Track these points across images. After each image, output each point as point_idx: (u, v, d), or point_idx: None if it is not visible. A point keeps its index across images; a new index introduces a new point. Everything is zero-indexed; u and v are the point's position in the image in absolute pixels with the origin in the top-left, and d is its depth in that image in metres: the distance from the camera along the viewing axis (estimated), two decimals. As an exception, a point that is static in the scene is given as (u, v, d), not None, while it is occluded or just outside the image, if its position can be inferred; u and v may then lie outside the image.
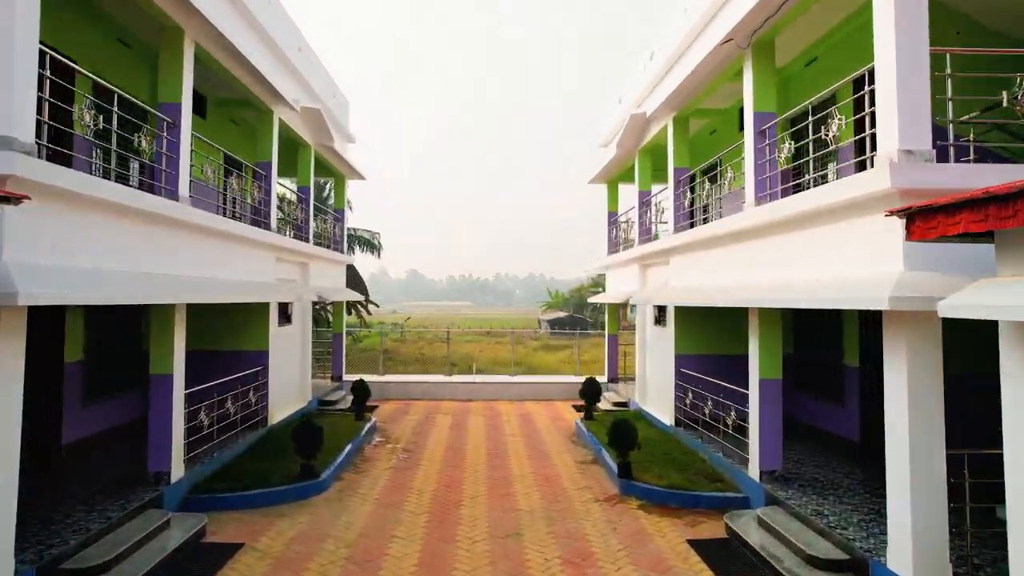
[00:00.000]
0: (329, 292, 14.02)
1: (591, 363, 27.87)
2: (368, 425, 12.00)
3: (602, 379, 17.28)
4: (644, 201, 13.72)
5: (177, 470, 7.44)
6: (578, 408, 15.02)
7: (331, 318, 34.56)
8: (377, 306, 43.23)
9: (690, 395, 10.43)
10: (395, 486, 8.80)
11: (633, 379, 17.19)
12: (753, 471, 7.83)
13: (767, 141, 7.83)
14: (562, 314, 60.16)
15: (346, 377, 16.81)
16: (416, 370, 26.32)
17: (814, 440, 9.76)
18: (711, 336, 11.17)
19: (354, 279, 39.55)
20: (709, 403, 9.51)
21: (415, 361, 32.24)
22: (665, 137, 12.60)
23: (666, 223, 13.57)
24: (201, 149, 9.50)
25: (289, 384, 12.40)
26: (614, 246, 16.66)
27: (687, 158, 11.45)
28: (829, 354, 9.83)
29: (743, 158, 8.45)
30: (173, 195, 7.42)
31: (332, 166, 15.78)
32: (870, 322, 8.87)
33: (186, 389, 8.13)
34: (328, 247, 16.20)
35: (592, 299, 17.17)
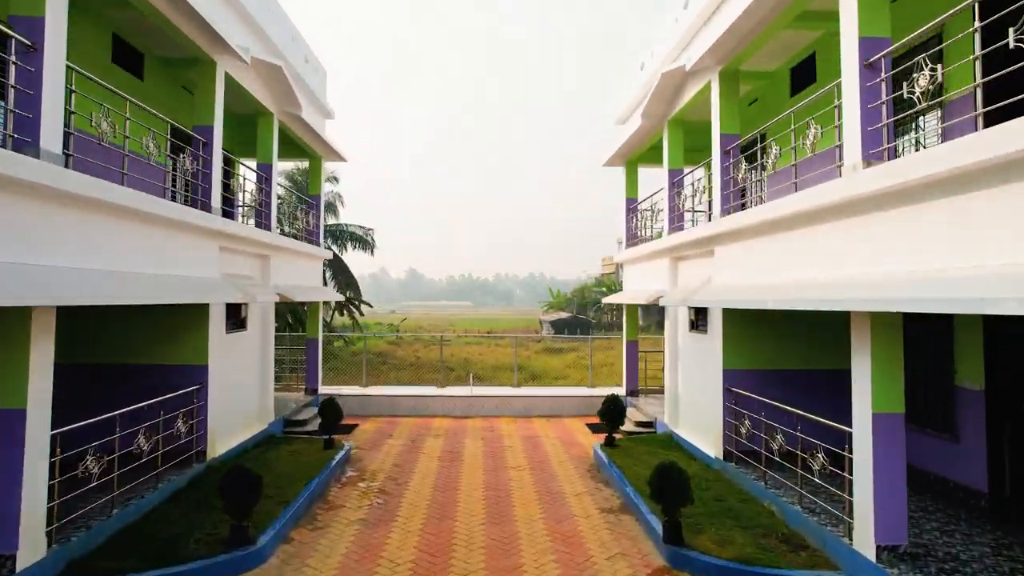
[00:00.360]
0: (297, 291, 11.72)
1: (598, 368, 25.55)
2: (339, 455, 9.70)
3: (619, 391, 15.00)
4: (675, 181, 11.42)
5: (32, 549, 5.13)
6: (594, 428, 12.73)
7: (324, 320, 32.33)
8: (371, 306, 40.94)
9: (746, 422, 8.13)
10: (361, 553, 6.49)
11: (656, 391, 14.90)
12: (863, 543, 5.52)
13: (881, 76, 5.52)
14: (564, 315, 57.85)
15: (323, 390, 14.52)
16: (410, 376, 24.01)
17: (916, 485, 7.45)
18: (774, 346, 8.86)
19: (346, 277, 37.36)
20: (779, 436, 7.20)
21: (410, 365, 29.83)
22: (703, 101, 10.33)
23: (701, 210, 11.32)
24: (109, 103, 7.19)
25: (242, 404, 10.09)
26: (633, 238, 14.37)
27: (737, 123, 9.15)
28: (933, 371, 7.53)
29: (837, 105, 6.16)
30: (30, 148, 5.12)
31: (303, 143, 13.48)
32: (1003, 331, 6.58)
33: (79, 420, 5.87)
34: (301, 239, 13.91)
35: (608, 299, 14.89)
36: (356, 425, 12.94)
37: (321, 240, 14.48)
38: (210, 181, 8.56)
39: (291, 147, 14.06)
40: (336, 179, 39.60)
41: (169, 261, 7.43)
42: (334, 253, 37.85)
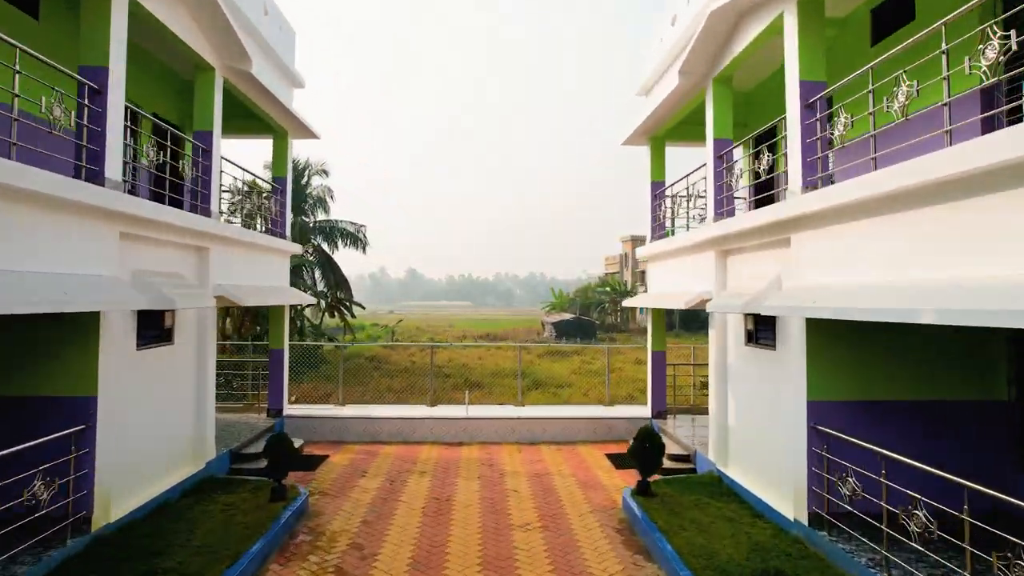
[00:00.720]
0: (248, 292, 9.36)
1: (600, 375, 23.20)
2: (290, 511, 7.34)
3: (641, 411, 12.65)
4: (723, 155, 9.06)
5: None
6: (616, 460, 10.38)
7: (306, 323, 29.81)
8: (363, 307, 38.62)
9: (850, 480, 5.77)
10: None
11: (685, 411, 12.58)
12: None
13: None
14: (567, 316, 55.59)
15: (291, 410, 12.15)
16: (402, 383, 21.61)
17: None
18: (895, 367, 6.49)
19: (337, 277, 35.02)
20: (921, 510, 4.82)
21: (403, 371, 27.51)
22: (766, 50, 8.00)
23: (741, 197, 9.01)
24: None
25: (165, 441, 7.72)
26: (660, 229, 12.02)
27: (822, 67, 6.78)
28: None
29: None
30: None
31: (264, 114, 11.10)
32: None
33: None
34: (263, 229, 11.58)
35: (630, 302, 12.53)
36: (326, 457, 10.58)
37: (287, 231, 12.11)
38: (103, 143, 6.19)
39: (251, 121, 11.71)
40: (326, 172, 37.34)
41: (26, 251, 5.08)
42: (324, 251, 35.54)
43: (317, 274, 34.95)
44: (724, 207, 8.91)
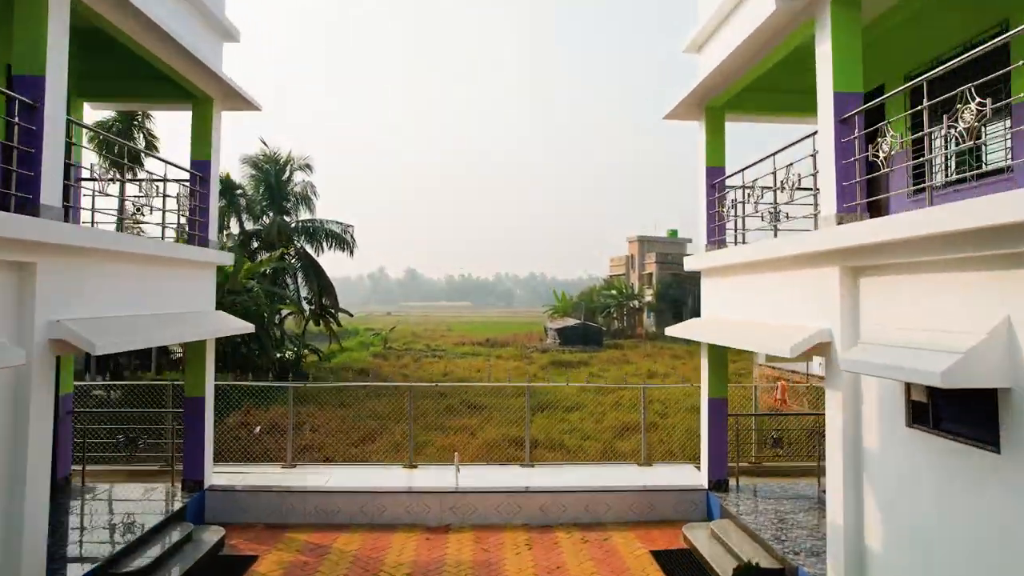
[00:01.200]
0: (113, 331, 6.10)
1: (616, 390, 19.97)
2: None
3: (692, 474, 9.42)
4: (850, 117, 5.77)
5: None
6: (668, 564, 7.13)
7: (285, 334, 26.41)
8: (350, 315, 35.39)
9: None
10: None
11: (746, 472, 9.30)
12: None
13: None
14: (572, 321, 52.21)
15: (218, 478, 8.91)
16: (389, 407, 18.24)
17: None
18: None
19: (321, 282, 31.80)
20: None
21: (393, 392, 24.14)
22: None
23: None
24: None
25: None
26: (721, 231, 8.80)
27: None
28: None
29: None
30: None
31: (170, 69, 7.77)
32: None
33: None
34: (189, 238, 8.35)
35: (677, 332, 9.10)
36: (252, 561, 7.32)
37: (212, 234, 8.83)
38: None
39: (160, 83, 8.40)
40: (310, 167, 34.18)
41: None
42: (307, 254, 32.31)
43: (299, 278, 31.73)
44: (857, 199, 5.65)
